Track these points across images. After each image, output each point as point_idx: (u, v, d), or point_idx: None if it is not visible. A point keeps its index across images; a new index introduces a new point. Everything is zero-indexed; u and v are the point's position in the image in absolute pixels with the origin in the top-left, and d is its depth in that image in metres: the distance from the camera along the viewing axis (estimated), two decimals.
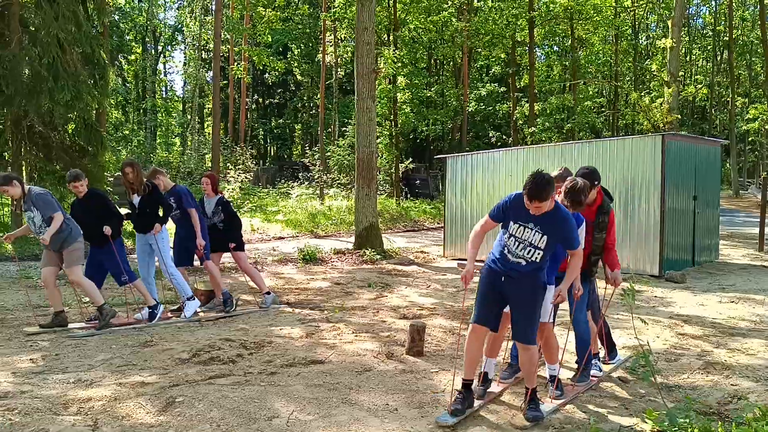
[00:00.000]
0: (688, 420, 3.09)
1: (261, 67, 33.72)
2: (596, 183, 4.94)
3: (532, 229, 4.10)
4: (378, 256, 12.32)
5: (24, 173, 14.15)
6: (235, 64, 33.24)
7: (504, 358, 5.24)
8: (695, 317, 7.49)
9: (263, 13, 31.53)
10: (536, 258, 4.13)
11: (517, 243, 4.17)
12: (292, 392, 4.68)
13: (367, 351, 5.88)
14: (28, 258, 12.32)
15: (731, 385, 5.01)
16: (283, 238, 16.83)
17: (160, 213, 7.19)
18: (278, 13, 32.88)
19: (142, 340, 6.14)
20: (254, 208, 21.90)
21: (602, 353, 5.55)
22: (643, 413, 4.25)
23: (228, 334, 6.36)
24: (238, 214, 8.32)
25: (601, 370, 5.25)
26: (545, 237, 4.08)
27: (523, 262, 4.16)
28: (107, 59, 16.18)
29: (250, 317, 7.36)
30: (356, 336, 6.45)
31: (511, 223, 4.19)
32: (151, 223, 7.05)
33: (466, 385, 4.35)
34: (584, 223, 4.76)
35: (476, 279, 4.45)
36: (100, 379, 4.91)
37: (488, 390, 4.72)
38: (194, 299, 7.33)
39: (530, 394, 4.28)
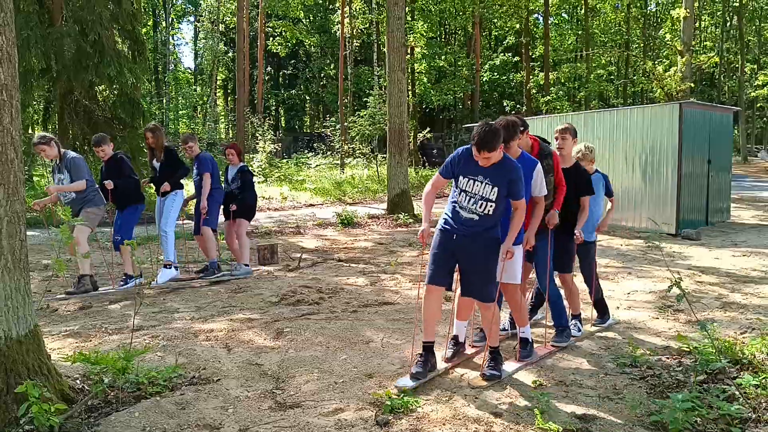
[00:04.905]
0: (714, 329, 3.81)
1: (294, 41, 34.50)
2: (522, 129, 4.62)
3: (482, 182, 4.05)
4: (410, 220, 13.18)
5: (70, 145, 14.94)
6: (271, 39, 34.05)
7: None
8: (711, 268, 8.34)
9: None
10: (489, 211, 4.06)
11: (468, 198, 4.11)
12: (376, 324, 5.57)
13: None
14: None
15: (746, 319, 5.87)
16: (314, 205, 17.69)
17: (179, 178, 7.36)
18: None
19: (232, 288, 7.04)
20: (281, 177, 22.78)
21: (588, 315, 5.66)
22: (673, 338, 5.13)
23: (304, 283, 7.26)
24: (256, 186, 8.45)
25: (580, 331, 5.29)
26: (496, 188, 4.01)
27: (476, 217, 4.10)
28: (144, 36, 16.89)
29: (315, 270, 8.25)
30: (414, 284, 7.34)
31: (461, 177, 4.14)
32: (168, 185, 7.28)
33: (428, 347, 4.32)
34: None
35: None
36: (212, 317, 5.82)
37: (459, 352, 4.73)
38: (171, 267, 7.30)
39: (490, 352, 4.30)
